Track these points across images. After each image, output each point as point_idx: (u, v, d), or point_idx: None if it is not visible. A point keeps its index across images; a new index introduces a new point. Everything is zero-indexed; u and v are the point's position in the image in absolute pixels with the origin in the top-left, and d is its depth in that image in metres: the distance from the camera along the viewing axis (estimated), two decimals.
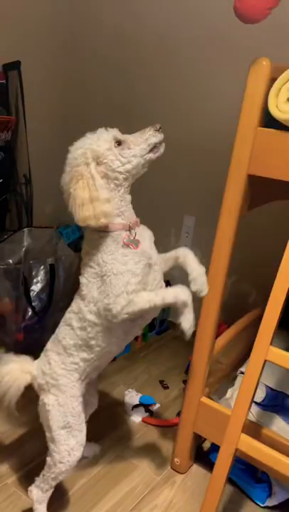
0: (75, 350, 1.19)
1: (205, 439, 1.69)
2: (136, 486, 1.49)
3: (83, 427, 1.21)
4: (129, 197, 1.19)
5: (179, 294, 1.15)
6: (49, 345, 1.26)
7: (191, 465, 1.61)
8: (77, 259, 2.36)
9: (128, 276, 1.08)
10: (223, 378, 1.69)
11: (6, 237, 2.14)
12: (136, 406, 1.88)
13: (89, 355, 1.19)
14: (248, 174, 1.22)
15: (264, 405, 1.51)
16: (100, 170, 1.08)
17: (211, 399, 1.50)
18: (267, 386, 1.51)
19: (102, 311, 1.12)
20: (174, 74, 2.42)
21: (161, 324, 2.68)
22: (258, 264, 2.25)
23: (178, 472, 1.57)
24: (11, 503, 1.35)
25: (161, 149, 1.15)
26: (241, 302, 2.37)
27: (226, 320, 2.18)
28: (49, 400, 1.18)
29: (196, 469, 1.60)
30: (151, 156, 1.14)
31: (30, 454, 1.54)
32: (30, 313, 2.13)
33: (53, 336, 1.27)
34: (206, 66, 2.29)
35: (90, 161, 1.05)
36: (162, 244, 2.67)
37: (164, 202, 2.63)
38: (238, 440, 1.08)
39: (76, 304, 1.19)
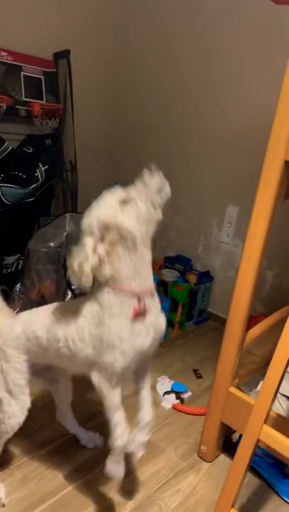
0: (33, 341, 1.22)
1: (234, 431, 1.68)
2: (161, 469, 1.51)
3: (26, 399, 1.26)
4: (148, 257, 1.12)
5: (120, 437, 1.16)
6: (26, 314, 1.29)
7: (218, 454, 1.60)
8: None
9: (118, 354, 1.08)
10: (255, 371, 1.66)
11: (49, 221, 2.21)
12: (167, 392, 1.90)
13: (41, 356, 1.24)
14: (286, 160, 1.18)
15: None
16: (109, 238, 1.06)
17: (241, 390, 1.48)
18: None
19: (83, 356, 1.14)
20: (214, 66, 2.37)
21: (199, 314, 2.67)
22: None
23: (204, 460, 1.57)
24: (39, 474, 1.42)
25: (167, 189, 1.12)
26: (282, 296, 2.31)
27: (266, 313, 2.13)
28: None
29: (223, 459, 1.59)
30: (159, 201, 1.10)
31: (62, 429, 1.60)
32: (69, 296, 2.20)
33: (34, 309, 1.30)
34: (242, 54, 2.22)
35: (96, 230, 1.05)
36: (204, 234, 2.66)
37: (208, 190, 2.60)
38: (260, 431, 1.06)
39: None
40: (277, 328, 1.74)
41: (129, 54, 2.86)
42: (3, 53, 2.23)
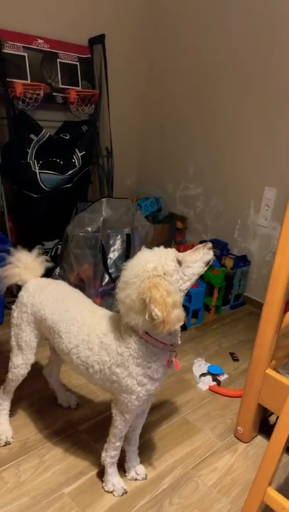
0: (51, 324, 1.29)
1: (272, 413, 1.68)
2: (197, 448, 1.54)
3: (31, 357, 1.41)
4: (183, 313, 1.16)
5: (111, 457, 1.30)
6: (52, 288, 1.37)
7: (255, 436, 1.61)
8: (152, 230, 2.41)
9: (134, 398, 1.17)
10: None
11: (86, 206, 2.26)
12: (204, 374, 1.91)
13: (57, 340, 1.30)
14: None
15: None
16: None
17: (278, 372, 1.47)
18: None
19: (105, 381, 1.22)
20: (260, 43, 2.30)
21: (236, 299, 2.65)
22: None
23: (240, 440, 1.58)
24: (80, 448, 1.48)
25: (211, 261, 1.17)
26: None
27: None
28: (14, 313, 1.39)
29: (260, 440, 1.60)
30: (205, 269, 1.16)
31: (101, 408, 1.66)
32: (107, 280, 2.25)
33: (55, 286, 1.38)
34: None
35: (162, 274, 1.06)
36: (241, 217, 2.62)
37: (244, 173, 2.56)
38: None
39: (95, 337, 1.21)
40: None
41: (164, 37, 2.83)
42: (39, 41, 2.27)
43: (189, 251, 1.15)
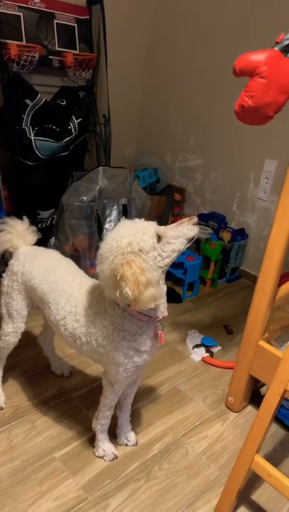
0: (42, 296, 1.28)
1: (263, 385, 1.69)
2: (189, 417, 1.56)
3: (21, 325, 1.41)
4: (165, 288, 1.13)
5: (101, 425, 1.32)
6: (43, 257, 1.35)
7: (246, 406, 1.63)
8: (149, 202, 2.38)
9: (121, 370, 1.17)
10: (286, 327, 1.64)
11: (82, 175, 2.21)
12: (197, 346, 1.92)
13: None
14: None
15: None
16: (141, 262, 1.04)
17: (271, 344, 1.48)
18: None
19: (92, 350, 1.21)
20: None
21: (232, 272, 2.64)
22: None
23: (231, 410, 1.60)
24: (71, 415, 1.50)
25: (195, 238, 1.09)
26: None
27: None
28: (4, 282, 1.39)
29: (250, 410, 1.62)
30: (187, 246, 1.10)
31: (93, 376, 1.67)
32: None
33: (45, 255, 1.36)
34: None
35: (137, 250, 1.01)
36: (240, 190, 2.58)
37: (245, 144, 2.50)
38: (287, 381, 1.06)
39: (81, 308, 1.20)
40: None
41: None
42: (35, 0, 2.17)
43: (173, 224, 1.08)
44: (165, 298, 1.14)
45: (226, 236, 2.56)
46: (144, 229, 1.03)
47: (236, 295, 2.47)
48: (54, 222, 2.38)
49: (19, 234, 1.41)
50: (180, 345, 1.95)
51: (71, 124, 2.30)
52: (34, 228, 1.45)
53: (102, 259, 1.04)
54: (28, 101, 2.16)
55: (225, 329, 2.11)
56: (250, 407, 1.63)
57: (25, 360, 1.71)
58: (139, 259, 1.01)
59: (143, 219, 1.09)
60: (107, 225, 2.22)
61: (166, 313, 1.16)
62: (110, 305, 1.13)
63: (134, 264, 0.99)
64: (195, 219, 1.09)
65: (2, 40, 2.05)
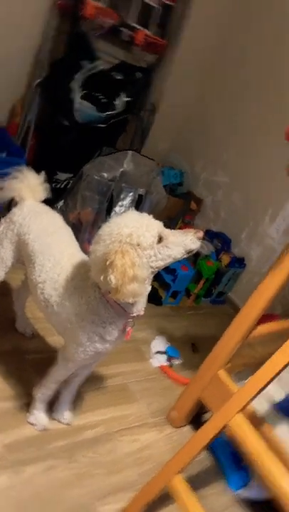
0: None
1: (207, 411, 1.70)
2: (128, 416, 1.57)
3: (1, 273, 1.39)
4: (149, 288, 1.13)
5: (42, 394, 1.33)
6: (45, 217, 1.35)
7: (185, 425, 1.64)
8: (165, 200, 2.38)
9: (80, 350, 1.18)
10: (250, 365, 1.65)
11: (110, 152, 2.20)
12: (160, 352, 1.93)
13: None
14: None
15: (281, 408, 1.46)
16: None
17: (229, 376, 1.48)
18: None
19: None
20: None
21: (219, 295, 2.65)
22: None
23: (170, 424, 1.62)
24: (19, 375, 1.50)
25: (194, 251, 1.10)
26: None
27: (283, 315, 2.10)
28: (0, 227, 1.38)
29: (187, 430, 1.63)
30: (185, 257, 1.10)
31: (53, 346, 1.68)
32: None
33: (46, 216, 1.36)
34: None
35: (135, 243, 1.01)
36: (254, 220, 2.56)
37: (274, 178, 2.49)
38: (232, 417, 1.07)
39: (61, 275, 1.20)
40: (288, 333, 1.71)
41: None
42: None
43: (179, 231, 1.08)
44: (146, 298, 1.15)
45: (225, 259, 2.57)
46: (148, 225, 1.03)
47: (215, 318, 2.48)
48: (68, 187, 2.37)
49: (31, 187, 1.40)
50: (144, 346, 1.95)
51: (118, 100, 2.27)
52: (47, 186, 1.44)
53: (99, 240, 1.04)
54: (85, 62, 2.14)
55: (192, 346, 2.12)
56: (188, 428, 1.64)
57: None
58: (133, 253, 1.01)
59: (152, 216, 1.09)
60: (117, 208, 2.21)
61: (142, 312, 1.16)
62: (92, 286, 1.13)
63: (128, 256, 0.99)
64: (200, 233, 1.09)
65: None
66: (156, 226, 1.05)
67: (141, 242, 1.01)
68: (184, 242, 1.06)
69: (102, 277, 1.01)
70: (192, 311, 2.44)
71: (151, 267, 1.06)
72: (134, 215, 1.06)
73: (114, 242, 1.00)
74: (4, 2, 1.97)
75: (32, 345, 1.64)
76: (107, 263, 0.99)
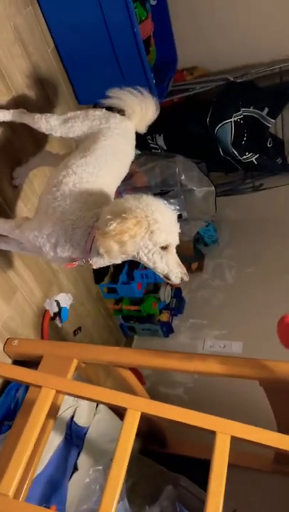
0: None
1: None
2: None
3: (63, 131, 1.43)
4: (117, 262, 1.20)
5: None
6: (116, 137, 1.38)
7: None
8: (209, 220, 2.53)
9: (30, 237, 1.24)
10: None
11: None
12: (58, 303, 1.94)
13: None
14: None
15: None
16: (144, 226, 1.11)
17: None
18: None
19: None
20: None
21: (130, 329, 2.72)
22: None
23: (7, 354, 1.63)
24: None
25: (170, 282, 1.18)
26: None
27: None
28: (94, 111, 1.42)
29: None
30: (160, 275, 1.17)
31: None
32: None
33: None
34: None
35: (150, 229, 1.08)
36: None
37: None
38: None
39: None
40: None
41: None
42: None
43: (178, 259, 1.15)
44: (110, 263, 1.22)
45: (164, 317, 2.62)
46: (172, 232, 1.12)
47: (113, 332, 2.58)
48: (158, 151, 2.47)
49: (140, 114, 1.44)
50: (56, 288, 1.99)
51: (248, 155, 2.34)
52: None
53: (137, 199, 1.12)
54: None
55: (77, 329, 2.16)
56: None
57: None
58: (143, 232, 1.08)
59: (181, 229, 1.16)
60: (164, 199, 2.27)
61: (94, 266, 1.22)
62: (92, 215, 1.18)
63: (138, 228, 1.07)
64: (186, 278, 1.16)
65: None
66: (174, 238, 1.14)
67: (155, 233, 1.09)
68: (173, 268, 1.14)
69: (109, 217, 1.09)
70: (109, 313, 2.53)
71: (138, 253, 1.13)
72: (174, 216, 1.16)
73: (143, 212, 1.09)
74: None
75: (10, 194, 1.65)
76: (123, 215, 1.07)
